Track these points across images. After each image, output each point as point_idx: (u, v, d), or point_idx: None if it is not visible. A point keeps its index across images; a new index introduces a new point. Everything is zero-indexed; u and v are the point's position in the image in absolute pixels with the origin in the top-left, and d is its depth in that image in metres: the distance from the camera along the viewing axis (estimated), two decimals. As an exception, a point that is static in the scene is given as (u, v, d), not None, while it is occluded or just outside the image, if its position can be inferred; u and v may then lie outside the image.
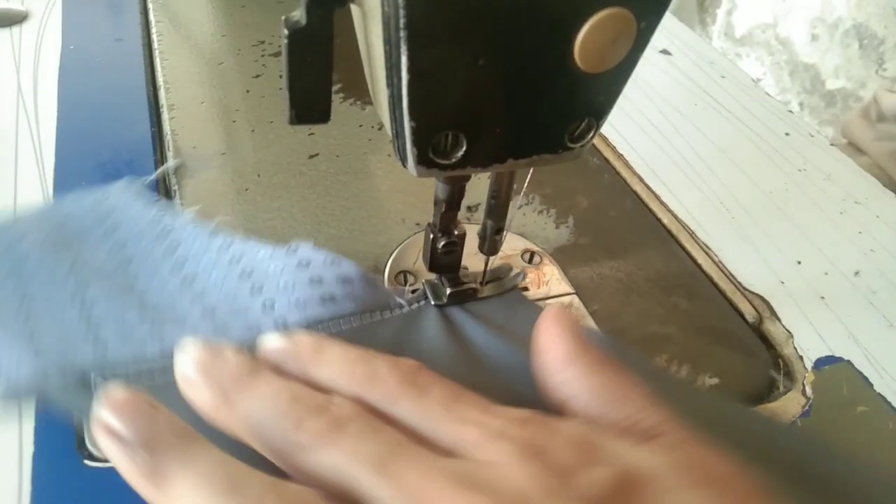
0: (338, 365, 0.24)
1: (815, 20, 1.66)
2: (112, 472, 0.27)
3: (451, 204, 0.30)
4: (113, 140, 0.43)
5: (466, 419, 0.22)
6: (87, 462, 0.27)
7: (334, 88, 0.23)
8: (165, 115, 0.45)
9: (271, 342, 0.25)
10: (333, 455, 0.21)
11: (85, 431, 0.28)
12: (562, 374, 0.24)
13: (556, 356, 0.25)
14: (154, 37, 0.53)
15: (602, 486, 0.20)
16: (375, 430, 0.22)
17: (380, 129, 0.45)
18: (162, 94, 0.47)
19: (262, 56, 0.52)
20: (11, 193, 0.39)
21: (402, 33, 0.21)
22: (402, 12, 0.20)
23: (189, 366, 0.24)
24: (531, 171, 0.32)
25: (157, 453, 0.20)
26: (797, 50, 1.73)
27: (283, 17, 0.22)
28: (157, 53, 0.51)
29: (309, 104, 0.23)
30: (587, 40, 0.22)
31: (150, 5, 0.56)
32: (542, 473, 0.20)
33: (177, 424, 0.21)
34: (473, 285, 0.34)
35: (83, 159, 0.42)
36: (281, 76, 0.49)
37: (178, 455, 0.20)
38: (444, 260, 0.32)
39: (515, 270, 0.35)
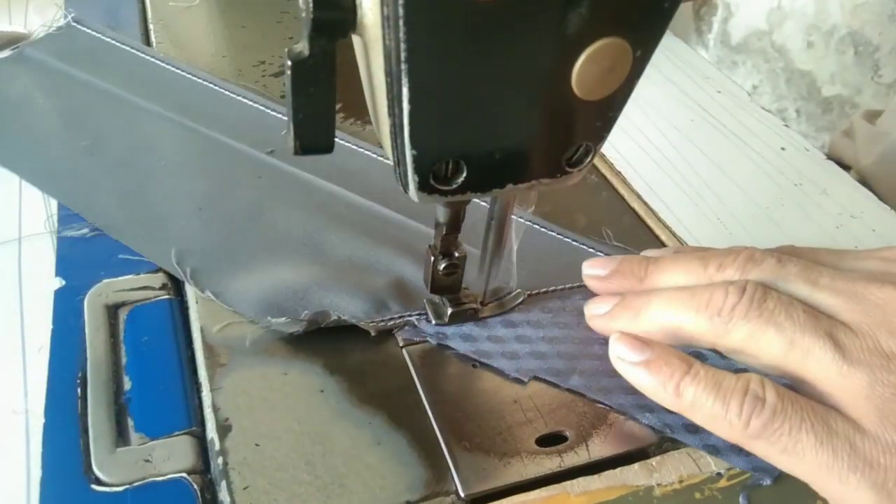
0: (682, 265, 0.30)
1: (811, 27, 1.66)
2: (118, 496, 0.27)
3: (451, 227, 0.30)
4: (116, 162, 0.44)
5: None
6: (93, 487, 0.27)
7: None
8: (168, 137, 0.45)
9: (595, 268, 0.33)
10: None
11: (92, 456, 0.28)
12: None
13: None
14: (155, 58, 0.53)
15: None
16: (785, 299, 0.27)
17: (379, 147, 0.45)
18: (164, 115, 0.47)
19: (263, 76, 0.52)
20: (16, 223, 0.39)
21: (404, 66, 0.21)
22: (403, 46, 0.21)
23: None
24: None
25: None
26: (793, 57, 1.74)
27: (286, 49, 0.23)
28: (158, 74, 0.51)
29: (312, 135, 0.23)
30: (584, 70, 0.23)
31: (151, 26, 0.57)
32: None
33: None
34: (474, 305, 0.34)
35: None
36: (282, 96, 0.50)
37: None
38: (445, 282, 0.33)
39: (516, 290, 0.36)
